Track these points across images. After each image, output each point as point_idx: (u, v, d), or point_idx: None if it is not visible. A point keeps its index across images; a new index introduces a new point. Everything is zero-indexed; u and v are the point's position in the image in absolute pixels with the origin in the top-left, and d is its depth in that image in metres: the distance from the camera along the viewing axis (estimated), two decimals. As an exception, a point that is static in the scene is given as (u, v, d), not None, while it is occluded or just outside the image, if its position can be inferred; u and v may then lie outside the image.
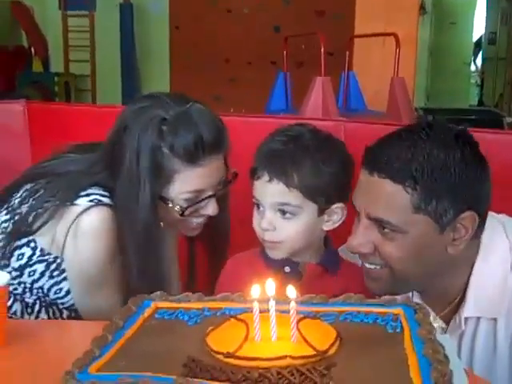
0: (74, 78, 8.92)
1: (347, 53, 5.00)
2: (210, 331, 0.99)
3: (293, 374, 0.85)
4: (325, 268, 1.39)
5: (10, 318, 1.31)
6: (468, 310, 1.32)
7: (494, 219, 1.34)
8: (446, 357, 1.00)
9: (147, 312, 1.10)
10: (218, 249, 1.61)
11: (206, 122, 1.40)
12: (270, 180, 1.32)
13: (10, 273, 1.39)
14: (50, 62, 9.20)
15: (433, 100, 10.12)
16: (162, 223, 1.46)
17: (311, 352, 0.90)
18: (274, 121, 2.48)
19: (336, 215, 1.37)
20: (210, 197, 1.43)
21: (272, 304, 0.93)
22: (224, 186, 1.47)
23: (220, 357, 0.91)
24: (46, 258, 1.43)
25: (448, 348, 1.05)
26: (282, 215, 1.33)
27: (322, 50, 3.93)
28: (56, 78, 8.90)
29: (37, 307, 1.47)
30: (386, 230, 1.24)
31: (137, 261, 1.42)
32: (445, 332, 1.34)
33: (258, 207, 1.36)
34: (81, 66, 8.87)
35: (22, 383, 1.01)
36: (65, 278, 1.45)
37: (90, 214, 1.39)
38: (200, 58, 9.41)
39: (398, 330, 1.00)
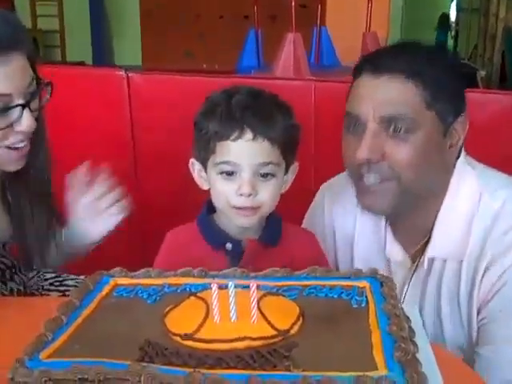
0: (41, 33, 8.68)
1: (319, 6, 4.90)
2: (168, 310, 0.95)
3: (252, 357, 0.82)
4: (265, 243, 1.28)
5: None
6: (432, 249, 1.35)
7: (468, 164, 1.37)
8: (412, 331, 0.98)
9: (106, 289, 1.07)
10: (35, 186, 1.46)
11: None
12: (255, 138, 1.18)
13: None
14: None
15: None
16: None
17: (272, 332, 0.87)
18: (245, 81, 2.43)
19: (290, 175, 1.29)
20: (21, 107, 1.29)
21: (231, 284, 0.89)
22: (35, 95, 1.34)
23: (178, 339, 0.88)
24: None
25: (414, 321, 1.03)
26: (262, 177, 1.21)
27: (293, 4, 3.84)
28: (23, 35, 8.68)
29: None
30: (397, 129, 1.26)
31: None
32: (414, 271, 1.39)
33: (230, 173, 1.21)
34: (49, 21, 8.65)
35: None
36: None
37: None
38: (171, 13, 9.22)
39: (362, 305, 0.98)
